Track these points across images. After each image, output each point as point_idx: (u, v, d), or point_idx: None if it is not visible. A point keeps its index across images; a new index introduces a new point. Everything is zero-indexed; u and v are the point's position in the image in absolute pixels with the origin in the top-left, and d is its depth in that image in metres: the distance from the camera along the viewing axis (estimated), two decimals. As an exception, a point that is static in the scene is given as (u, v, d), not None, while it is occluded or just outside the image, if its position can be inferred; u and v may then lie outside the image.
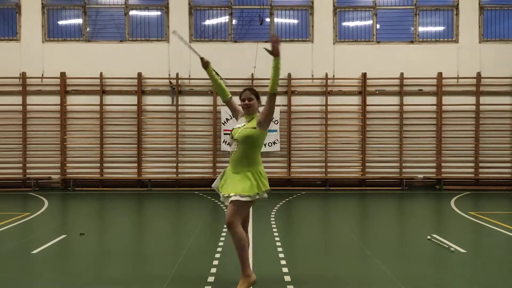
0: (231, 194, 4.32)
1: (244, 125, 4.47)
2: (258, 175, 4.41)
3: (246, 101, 4.50)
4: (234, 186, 4.34)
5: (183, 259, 5.74)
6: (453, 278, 5.09)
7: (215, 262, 5.50)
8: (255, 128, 4.40)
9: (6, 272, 5.37)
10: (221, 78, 4.85)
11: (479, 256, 6.12)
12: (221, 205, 10.25)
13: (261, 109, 4.51)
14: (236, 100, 4.80)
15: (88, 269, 5.52)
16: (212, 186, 4.70)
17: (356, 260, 5.87)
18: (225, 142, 13.51)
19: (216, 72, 4.81)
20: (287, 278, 4.89)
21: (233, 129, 4.56)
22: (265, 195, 4.46)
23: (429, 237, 6.88)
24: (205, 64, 4.74)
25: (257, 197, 4.39)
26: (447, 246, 6.33)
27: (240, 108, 4.66)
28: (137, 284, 4.84)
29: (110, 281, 4.95)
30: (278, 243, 6.53)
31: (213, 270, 5.20)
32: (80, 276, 5.20)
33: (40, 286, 4.86)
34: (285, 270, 5.20)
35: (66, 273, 5.36)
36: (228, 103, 4.77)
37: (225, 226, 4.50)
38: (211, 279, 4.88)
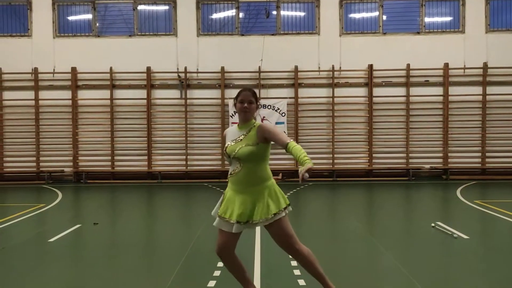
0: (273, 213, 3.63)
1: (241, 139, 3.71)
2: (273, 191, 3.77)
3: (246, 104, 3.71)
4: (269, 207, 3.66)
5: (192, 250, 5.97)
6: (455, 263, 5.27)
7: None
8: (257, 144, 3.68)
9: (26, 258, 5.64)
10: None
11: (481, 242, 6.29)
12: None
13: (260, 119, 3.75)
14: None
15: (102, 257, 5.77)
16: (212, 214, 3.92)
17: (363, 248, 6.04)
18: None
19: None
20: (294, 263, 5.10)
21: (228, 144, 3.75)
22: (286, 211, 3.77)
23: (433, 224, 7.04)
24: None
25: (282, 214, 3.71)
26: (450, 233, 6.49)
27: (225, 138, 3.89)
28: (148, 272, 5.07)
29: (123, 268, 5.19)
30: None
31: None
32: (95, 262, 5.45)
33: (58, 272, 5.11)
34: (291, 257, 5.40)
35: (82, 260, 5.62)
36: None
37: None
38: (218, 269, 5.10)
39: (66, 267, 5.32)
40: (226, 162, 4.04)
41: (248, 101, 3.72)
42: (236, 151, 3.65)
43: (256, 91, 13.77)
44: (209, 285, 4.43)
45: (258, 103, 3.85)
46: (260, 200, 3.66)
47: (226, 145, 3.77)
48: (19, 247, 6.16)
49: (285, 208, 3.71)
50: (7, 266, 5.25)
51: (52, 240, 6.41)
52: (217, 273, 4.78)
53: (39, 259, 5.65)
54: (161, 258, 5.60)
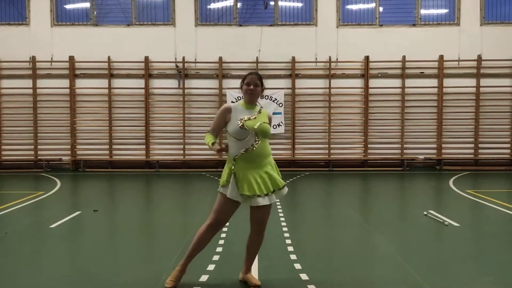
0: (282, 184, 4.05)
1: (256, 117, 3.98)
2: (273, 167, 4.10)
3: (252, 87, 3.98)
4: (272, 182, 4.00)
5: (191, 235, 6.13)
6: (445, 249, 5.45)
7: (223, 235, 5.88)
8: (267, 123, 4.01)
9: (28, 243, 5.79)
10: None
11: (471, 229, 6.49)
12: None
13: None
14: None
15: (102, 242, 5.93)
16: (229, 195, 4.00)
17: (357, 235, 6.23)
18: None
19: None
20: (290, 248, 5.28)
21: (245, 120, 3.92)
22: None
23: (425, 212, 7.24)
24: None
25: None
26: (441, 221, 6.68)
27: (218, 116, 4.04)
28: (148, 257, 5.22)
29: (123, 253, 5.34)
30: (282, 219, 6.91)
31: (221, 241, 5.59)
32: (96, 247, 5.61)
33: (60, 255, 5.26)
34: (288, 242, 5.58)
35: (83, 245, 5.77)
36: (217, 134, 4.21)
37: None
38: (217, 253, 5.26)
39: (68, 251, 5.47)
40: (225, 141, 4.14)
41: (254, 84, 3.99)
42: (257, 126, 3.92)
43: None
44: (208, 268, 4.59)
45: (263, 87, 4.09)
46: (265, 176, 3.97)
47: (241, 120, 3.91)
48: (21, 233, 6.30)
49: (279, 189, 4.06)
50: (11, 250, 5.40)
51: (53, 226, 6.55)
52: (216, 257, 4.94)
53: (41, 243, 5.80)
54: (161, 244, 5.76)
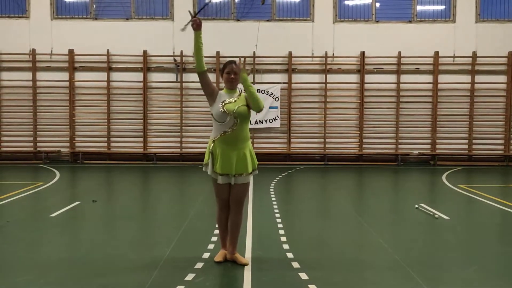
0: (247, 173, 4.42)
1: (235, 100, 4.41)
2: (252, 151, 4.53)
3: (232, 75, 4.42)
4: (245, 165, 4.40)
5: (188, 225, 6.32)
6: (433, 240, 5.65)
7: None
8: (247, 106, 4.41)
9: (30, 231, 5.97)
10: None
11: (460, 223, 6.69)
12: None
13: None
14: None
15: (102, 230, 6.12)
16: (209, 173, 4.49)
17: (348, 226, 6.42)
18: (228, 118, 13.99)
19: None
20: (283, 238, 5.46)
21: (225, 103, 4.37)
22: (256, 172, 4.59)
23: (416, 206, 7.43)
24: (199, 26, 4.49)
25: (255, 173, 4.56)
26: (432, 214, 6.88)
27: (212, 84, 4.49)
28: (146, 244, 5.40)
29: (122, 240, 5.52)
30: (276, 211, 7.09)
31: (216, 231, 5.78)
32: (95, 235, 5.79)
33: (60, 244, 5.43)
34: (281, 232, 5.77)
35: (83, 233, 5.95)
36: (204, 75, 4.45)
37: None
38: (212, 242, 5.45)
39: (68, 239, 5.65)
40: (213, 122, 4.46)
41: (234, 73, 4.43)
42: (235, 109, 4.33)
43: (250, 75, 14.10)
44: (203, 256, 4.77)
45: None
46: (245, 156, 4.39)
47: (222, 103, 4.37)
48: (22, 221, 6.46)
49: (252, 171, 4.49)
50: (14, 238, 5.57)
51: (53, 215, 6.71)
52: (211, 246, 5.12)
53: (42, 232, 5.97)
54: (159, 232, 5.94)
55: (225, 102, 4.38)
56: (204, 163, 4.53)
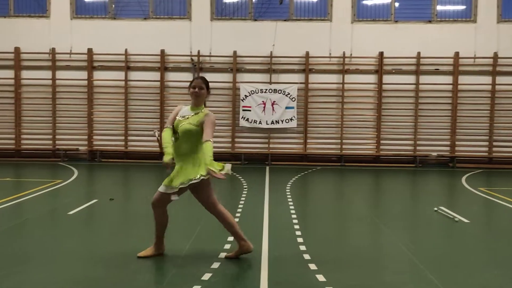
0: (189, 179, 4.40)
1: (188, 117, 4.46)
2: (200, 161, 4.41)
3: (197, 89, 4.52)
4: (185, 175, 4.42)
5: (204, 222, 6.31)
6: (454, 244, 5.55)
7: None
8: (197, 126, 4.40)
9: (48, 228, 6.03)
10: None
11: (481, 226, 6.56)
12: (239, 177, 10.80)
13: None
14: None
15: (119, 228, 6.14)
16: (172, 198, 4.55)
17: (366, 227, 6.36)
18: (243, 118, 14.01)
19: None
20: (300, 240, 5.42)
21: (178, 119, 4.52)
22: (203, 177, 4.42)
23: (435, 208, 7.31)
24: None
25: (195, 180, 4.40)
26: (452, 217, 6.76)
27: (173, 114, 4.62)
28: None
29: (139, 238, 5.53)
30: (293, 211, 7.05)
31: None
32: (113, 233, 5.82)
33: (78, 241, 5.47)
34: (298, 233, 5.72)
35: (100, 231, 5.99)
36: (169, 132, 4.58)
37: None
38: (228, 242, 5.43)
39: (86, 236, 5.69)
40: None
41: (199, 87, 4.54)
42: (180, 125, 4.44)
43: (267, 75, 14.08)
44: (220, 256, 4.76)
45: (209, 90, 4.66)
46: (182, 169, 4.42)
47: (177, 118, 4.53)
48: (41, 219, 6.54)
49: (201, 176, 4.38)
50: (32, 235, 5.64)
51: (71, 213, 6.77)
52: (227, 246, 5.10)
53: (61, 229, 6.03)
54: (175, 231, 5.93)
55: (179, 118, 4.51)
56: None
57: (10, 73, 14.23)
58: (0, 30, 14.30)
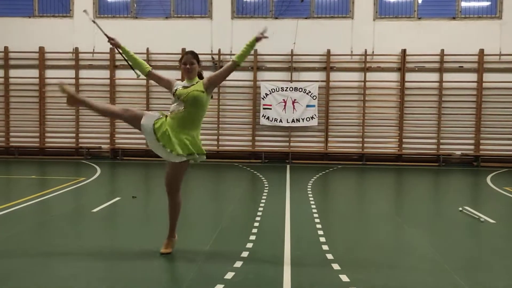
0: (179, 153, 4.45)
1: (189, 87, 4.52)
2: (197, 138, 4.57)
3: (188, 65, 4.55)
4: (188, 147, 4.47)
5: (225, 222, 6.32)
6: (479, 244, 5.45)
7: (256, 225, 6.04)
8: (203, 92, 4.50)
9: (73, 225, 6.12)
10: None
11: (507, 226, 6.41)
12: (259, 175, 10.79)
13: (206, 74, 4.65)
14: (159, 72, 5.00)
15: (142, 225, 6.19)
16: (142, 122, 4.55)
17: (389, 227, 6.28)
18: (264, 116, 13.98)
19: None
20: (322, 239, 5.38)
21: (176, 89, 4.54)
22: (200, 158, 4.60)
23: (460, 208, 7.18)
24: (118, 45, 4.79)
25: (195, 157, 4.56)
26: (477, 217, 6.63)
27: (164, 75, 4.78)
28: (187, 239, 5.43)
29: (160, 237, 5.56)
30: (315, 211, 7.01)
31: (256, 224, 5.75)
32: (137, 230, 5.87)
33: (102, 238, 5.54)
34: (320, 232, 5.68)
35: (124, 228, 6.06)
36: (150, 76, 4.77)
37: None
38: (251, 238, 5.43)
39: (110, 234, 5.76)
40: (172, 103, 4.69)
41: (190, 63, 4.57)
42: (186, 94, 4.46)
43: (288, 74, 14.03)
44: (242, 255, 4.75)
45: (200, 63, 4.67)
46: (185, 140, 4.47)
47: (174, 88, 4.56)
48: (66, 216, 6.65)
49: (188, 155, 4.48)
50: (58, 231, 5.74)
51: (95, 210, 6.86)
52: (249, 245, 5.10)
53: (85, 226, 6.12)
54: (197, 229, 5.97)
55: (179, 87, 4.53)
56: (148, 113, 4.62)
57: (35, 73, 14.51)
58: (25, 30, 14.57)
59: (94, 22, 5.33)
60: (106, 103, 4.79)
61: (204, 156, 4.66)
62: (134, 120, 4.59)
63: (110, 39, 4.82)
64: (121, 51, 4.80)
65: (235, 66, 4.54)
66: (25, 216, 6.46)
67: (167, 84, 4.70)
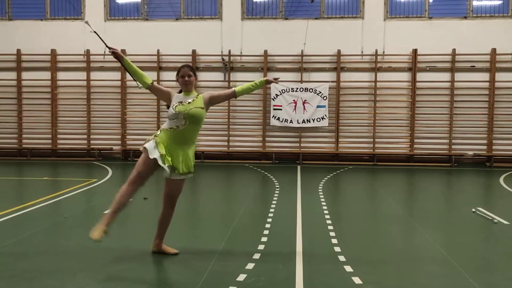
0: (191, 171, 4.66)
1: (190, 102, 4.55)
2: (192, 155, 4.70)
3: (186, 78, 4.59)
4: (189, 164, 4.62)
5: (237, 223, 6.33)
6: (493, 246, 5.38)
7: (267, 226, 6.04)
8: (203, 108, 4.60)
9: (87, 226, 6.14)
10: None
11: (521, 228, 6.33)
12: (270, 176, 10.78)
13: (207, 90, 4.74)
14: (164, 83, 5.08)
15: (152, 227, 6.18)
16: (152, 156, 4.49)
17: (401, 228, 6.24)
18: (274, 117, 13.98)
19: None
20: (334, 241, 5.36)
21: (176, 105, 4.52)
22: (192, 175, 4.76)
23: (473, 209, 7.11)
24: (120, 57, 4.70)
25: (191, 175, 4.73)
26: (490, 218, 6.56)
27: (165, 88, 4.75)
28: (199, 238, 5.46)
29: (173, 238, 5.59)
30: (326, 211, 6.99)
31: (268, 225, 5.75)
32: (149, 230, 5.88)
33: (114, 239, 5.56)
34: (332, 234, 5.67)
35: (137, 228, 6.09)
36: (152, 89, 4.70)
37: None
38: (263, 240, 5.42)
39: (122, 235, 5.79)
40: (169, 119, 4.66)
41: (188, 75, 4.60)
42: (187, 110, 4.49)
43: (298, 74, 14.01)
44: (254, 257, 4.76)
45: (196, 76, 4.73)
46: (186, 157, 4.58)
47: (175, 104, 4.53)
48: (79, 217, 6.70)
49: (191, 172, 4.67)
50: (71, 233, 5.78)
51: (107, 211, 6.89)
52: (261, 246, 5.10)
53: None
54: (208, 231, 5.98)
55: (178, 104, 4.52)
56: (148, 147, 4.53)
57: (47, 75, 14.66)
58: (37, 33, 14.73)
59: (95, 32, 5.32)
60: (117, 195, 4.69)
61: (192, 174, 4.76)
62: (147, 167, 4.59)
63: (112, 50, 4.71)
64: (123, 63, 4.73)
65: (233, 97, 4.83)
66: (39, 218, 6.52)
67: (167, 96, 4.67)
